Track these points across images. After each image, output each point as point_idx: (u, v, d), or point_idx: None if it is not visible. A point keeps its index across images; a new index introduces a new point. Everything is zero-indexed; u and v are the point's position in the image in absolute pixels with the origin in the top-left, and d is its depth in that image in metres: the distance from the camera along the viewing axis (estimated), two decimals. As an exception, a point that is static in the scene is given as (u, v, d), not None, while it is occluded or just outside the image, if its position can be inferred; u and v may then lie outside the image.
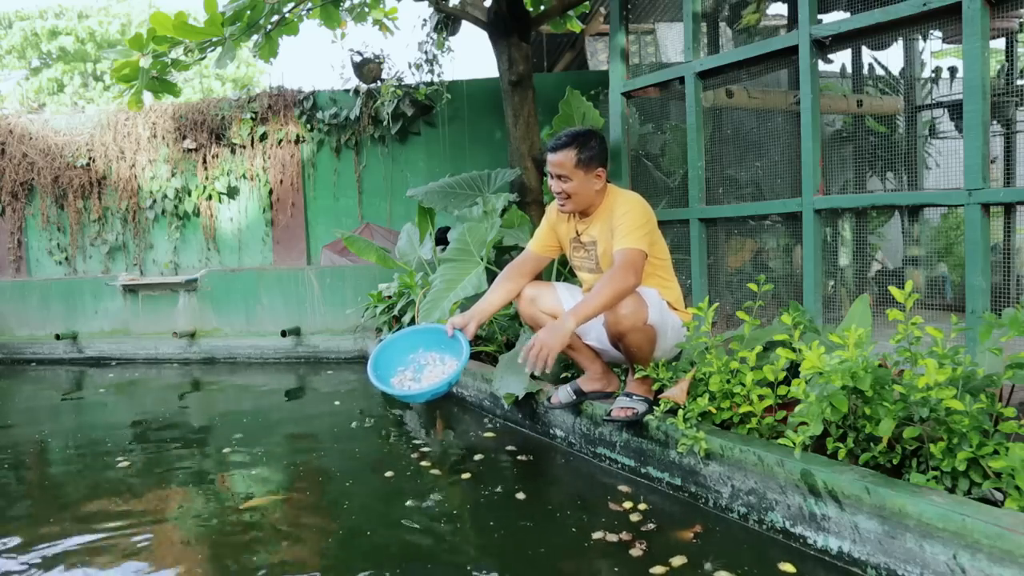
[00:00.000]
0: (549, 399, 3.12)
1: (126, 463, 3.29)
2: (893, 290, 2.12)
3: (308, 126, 6.92)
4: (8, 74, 20.94)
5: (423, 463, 3.09)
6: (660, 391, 2.70)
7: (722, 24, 4.40)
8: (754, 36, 4.24)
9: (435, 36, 6.12)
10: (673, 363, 2.77)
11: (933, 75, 4.71)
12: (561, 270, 4.19)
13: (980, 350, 2.18)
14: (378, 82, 6.61)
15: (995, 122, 4.02)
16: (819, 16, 3.05)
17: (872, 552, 1.91)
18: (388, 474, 2.96)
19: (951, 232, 3.89)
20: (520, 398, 3.31)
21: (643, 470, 2.74)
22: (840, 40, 2.96)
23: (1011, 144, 4.05)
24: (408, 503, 2.63)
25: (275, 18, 4.20)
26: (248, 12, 3.93)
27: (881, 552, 1.88)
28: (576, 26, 6.17)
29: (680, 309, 2.82)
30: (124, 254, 7.27)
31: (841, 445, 2.12)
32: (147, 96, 5.07)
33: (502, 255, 4.46)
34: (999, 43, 3.84)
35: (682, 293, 2.92)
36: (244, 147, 7.00)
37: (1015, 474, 1.75)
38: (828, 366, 2.03)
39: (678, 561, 2.05)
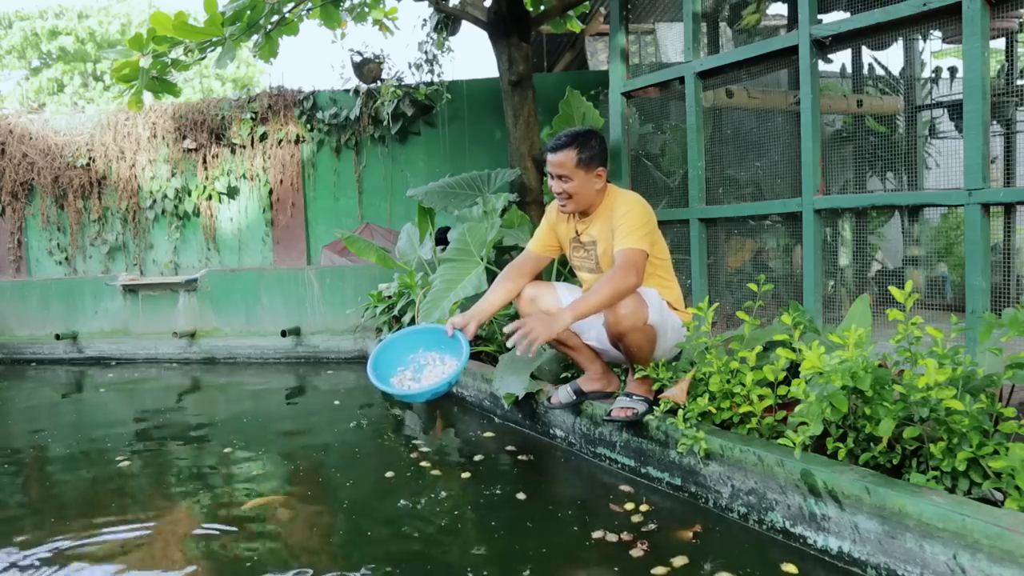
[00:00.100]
0: (549, 399, 3.12)
1: (126, 463, 3.29)
2: (893, 290, 2.12)
3: (308, 126, 6.92)
4: (8, 74, 20.95)
5: (423, 463, 3.09)
6: (660, 391, 2.70)
7: (722, 24, 4.40)
8: (754, 36, 4.24)
9: (435, 36, 6.12)
10: (673, 363, 2.77)
11: (933, 75, 4.71)
12: (561, 270, 4.19)
13: (980, 350, 2.18)
14: (378, 82, 6.61)
15: (995, 122, 4.02)
16: (819, 16, 3.05)
17: (872, 552, 1.91)
18: (388, 474, 2.96)
19: (951, 232, 3.90)
20: (520, 398, 3.31)
21: (643, 470, 2.74)
22: (840, 40, 2.96)
23: (1011, 144, 4.05)
24: (408, 503, 2.63)
25: (275, 18, 4.20)
26: (248, 12, 3.93)
27: (881, 552, 1.88)
28: (576, 26, 6.17)
29: (680, 309, 2.82)
30: (124, 254, 7.27)
31: (841, 445, 2.12)
32: (147, 96, 5.07)
33: (502, 255, 4.46)
34: (999, 43, 3.83)
35: (682, 293, 2.92)
36: (244, 147, 7.00)
37: (1015, 474, 1.75)
38: (828, 366, 2.03)
39: (679, 561, 2.05)
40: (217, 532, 2.45)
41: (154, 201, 7.13)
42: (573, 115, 4.90)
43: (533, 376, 3.41)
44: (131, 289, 6.75)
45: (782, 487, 2.16)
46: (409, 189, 4.99)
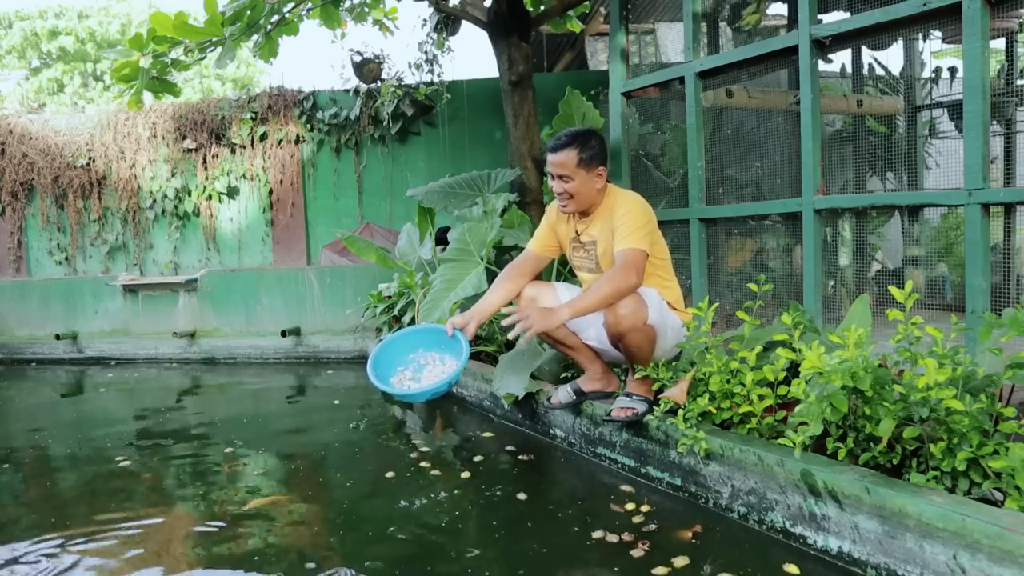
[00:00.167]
0: (549, 399, 3.12)
1: (127, 462, 3.29)
2: (893, 290, 2.12)
3: (308, 126, 6.92)
4: (8, 74, 20.95)
5: (423, 463, 3.09)
6: (660, 391, 2.70)
7: (722, 24, 4.40)
8: (754, 36, 4.24)
9: (435, 36, 6.12)
10: (673, 363, 2.77)
11: (933, 75, 4.71)
12: (561, 270, 4.19)
13: (980, 350, 2.18)
14: (378, 82, 6.61)
15: (995, 122, 4.02)
16: (819, 16, 3.05)
17: (872, 552, 1.91)
18: (389, 474, 2.96)
19: (951, 232, 3.90)
20: (520, 398, 3.31)
21: (643, 470, 2.74)
22: (840, 40, 2.96)
23: (1011, 144, 4.05)
24: (408, 503, 2.63)
25: (275, 18, 4.20)
26: (248, 12, 3.93)
27: (881, 552, 1.88)
28: (576, 26, 6.17)
29: (680, 309, 2.82)
30: (124, 254, 7.27)
31: (841, 445, 2.12)
32: (147, 96, 5.07)
33: (502, 255, 4.46)
34: (999, 43, 3.83)
35: (682, 293, 2.92)
36: (244, 147, 7.00)
37: (1015, 474, 1.75)
38: (828, 366, 2.03)
39: (680, 562, 2.05)
40: (218, 532, 2.45)
41: (154, 201, 7.13)
42: (573, 115, 4.90)
43: (533, 376, 3.41)
44: (131, 289, 6.75)
45: (782, 487, 2.16)
46: (409, 189, 4.99)
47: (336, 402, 4.57)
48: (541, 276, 3.02)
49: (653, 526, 2.30)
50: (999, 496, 1.86)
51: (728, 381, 2.49)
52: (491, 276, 3.83)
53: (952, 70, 4.61)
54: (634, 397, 2.75)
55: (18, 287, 7.03)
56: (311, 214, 7.09)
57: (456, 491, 2.76)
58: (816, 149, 3.00)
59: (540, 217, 3.26)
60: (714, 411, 2.50)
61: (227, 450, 3.46)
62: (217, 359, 6.46)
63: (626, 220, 2.61)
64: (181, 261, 7.23)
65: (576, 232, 2.85)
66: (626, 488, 2.66)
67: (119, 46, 4.21)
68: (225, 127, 6.99)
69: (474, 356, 4.15)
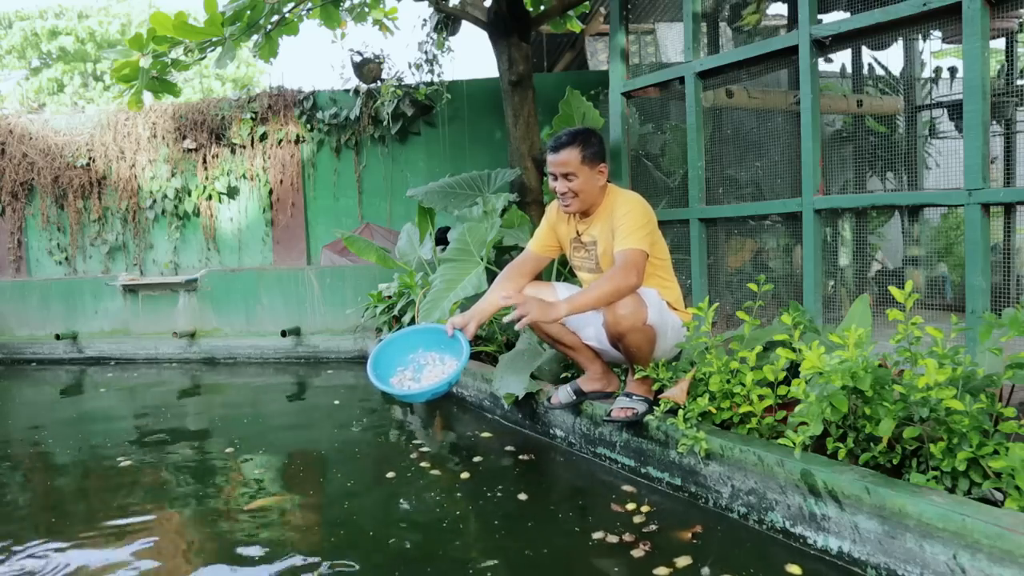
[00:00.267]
0: (549, 399, 3.12)
1: (127, 462, 3.29)
2: (893, 290, 2.12)
3: (308, 126, 6.93)
4: (8, 74, 20.95)
5: (423, 463, 3.09)
6: (660, 391, 2.70)
7: (722, 24, 4.40)
8: (754, 36, 4.24)
9: (435, 36, 6.12)
10: (673, 363, 2.77)
11: (933, 75, 4.71)
12: (561, 270, 4.19)
13: (980, 350, 2.18)
14: (378, 82, 6.61)
15: (995, 122, 4.02)
16: (819, 16, 3.05)
17: (872, 552, 1.91)
18: (389, 475, 2.96)
19: (951, 232, 3.90)
20: (520, 398, 3.31)
21: (643, 470, 2.74)
22: (840, 40, 2.96)
23: (1011, 144, 4.05)
24: (409, 503, 2.64)
25: (275, 18, 4.20)
26: (248, 12, 3.93)
27: (881, 552, 1.88)
28: (576, 26, 6.17)
29: (680, 309, 2.82)
30: (124, 254, 7.27)
31: (841, 445, 2.12)
32: (147, 96, 5.07)
33: (502, 255, 4.46)
34: (999, 43, 3.83)
35: (682, 293, 2.92)
36: (244, 147, 7.00)
37: (1015, 474, 1.75)
38: (828, 366, 2.03)
39: (682, 562, 2.05)
40: (219, 532, 2.45)
41: (154, 201, 7.13)
42: (573, 115, 4.90)
43: (533, 376, 3.41)
44: (131, 289, 6.75)
45: (782, 487, 2.16)
46: (409, 189, 4.99)
47: (336, 402, 4.57)
48: (541, 276, 3.02)
49: (654, 526, 2.31)
50: (999, 496, 1.86)
51: (728, 381, 2.49)
52: (491, 276, 3.83)
53: (952, 70, 4.61)
54: (634, 397, 2.75)
55: (18, 287, 7.03)
56: (311, 214, 7.09)
57: (456, 491, 2.76)
58: (816, 149, 3.00)
59: (540, 217, 3.26)
60: (714, 411, 2.51)
61: (227, 450, 3.46)
62: (217, 359, 6.46)
63: (626, 220, 2.61)
64: (181, 261, 7.23)
65: (577, 232, 2.85)
66: (626, 488, 2.66)
67: (119, 46, 4.21)
68: (225, 127, 6.99)
69: (474, 356, 4.15)
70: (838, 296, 3.70)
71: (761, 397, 2.39)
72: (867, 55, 4.66)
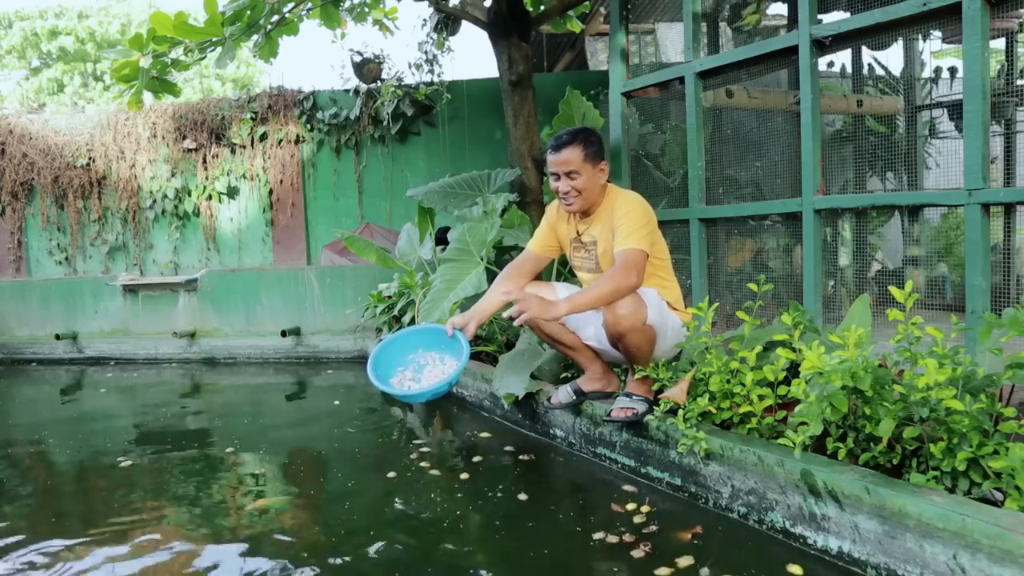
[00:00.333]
0: (549, 399, 3.12)
1: (128, 463, 3.29)
2: (893, 290, 2.12)
3: (308, 126, 6.93)
4: (8, 74, 20.95)
5: (423, 463, 3.09)
6: (660, 391, 2.70)
7: (722, 24, 4.40)
8: (754, 36, 4.24)
9: (435, 36, 6.12)
10: (673, 363, 2.77)
11: (933, 75, 4.71)
12: (561, 270, 4.19)
13: (980, 350, 2.18)
14: (378, 82, 6.61)
15: (995, 122, 4.02)
16: (819, 16, 3.05)
17: (872, 552, 1.91)
18: (390, 475, 2.96)
19: (951, 232, 3.90)
20: (520, 398, 3.31)
21: (643, 470, 2.74)
22: (840, 40, 2.96)
23: (1011, 144, 4.05)
24: (409, 503, 2.64)
25: (275, 18, 4.20)
26: (248, 12, 3.93)
27: (881, 552, 1.88)
28: (576, 26, 6.17)
29: (680, 309, 2.82)
30: (124, 254, 7.27)
31: (841, 445, 2.12)
32: (147, 96, 5.07)
33: (502, 255, 4.46)
34: (999, 43, 3.83)
35: (682, 293, 2.92)
36: (244, 147, 7.00)
37: (1015, 474, 1.75)
38: (828, 366, 2.03)
39: (684, 562, 2.05)
40: (220, 532, 2.45)
41: (154, 201, 7.13)
42: (573, 115, 4.90)
43: (533, 376, 3.41)
44: (131, 289, 6.75)
45: (782, 487, 2.16)
46: (409, 189, 4.99)
47: (336, 402, 4.57)
48: (541, 276, 3.02)
49: (654, 527, 2.31)
50: (999, 496, 1.86)
51: (728, 381, 2.49)
52: (491, 276, 3.83)
53: (952, 70, 4.61)
54: (634, 397, 2.75)
55: (18, 287, 7.02)
56: (311, 214, 7.09)
57: (456, 491, 2.76)
58: (816, 149, 3.00)
59: (540, 217, 3.26)
60: (714, 411, 2.51)
61: (228, 450, 3.46)
62: (217, 359, 6.46)
63: (626, 220, 2.61)
64: (181, 261, 7.23)
65: (577, 232, 2.85)
66: (626, 488, 2.66)
67: (119, 46, 4.21)
68: (225, 127, 6.99)
69: (474, 356, 4.14)
70: (838, 296, 3.70)
71: (761, 397, 2.39)
72: (867, 55, 4.66)
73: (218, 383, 5.52)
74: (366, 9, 5.11)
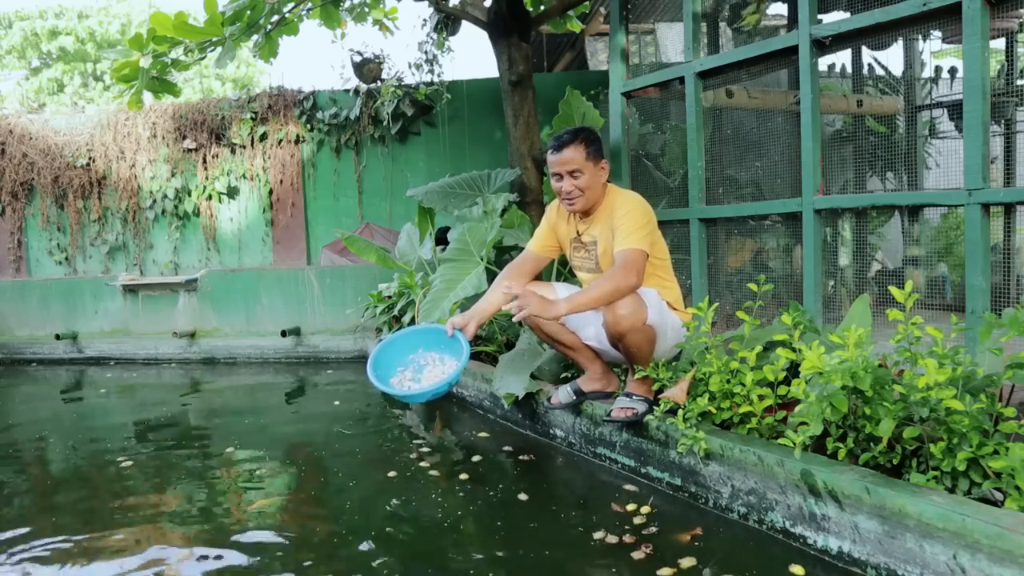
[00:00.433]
0: (549, 399, 3.12)
1: (128, 463, 3.29)
2: (893, 290, 2.12)
3: (308, 126, 6.93)
4: (8, 74, 20.95)
5: (423, 463, 3.09)
6: (660, 391, 2.70)
7: (722, 24, 4.40)
8: (754, 36, 4.24)
9: (435, 36, 6.12)
10: (673, 363, 2.77)
11: (933, 75, 4.71)
12: (561, 270, 4.19)
13: (980, 350, 2.18)
14: (378, 82, 6.61)
15: (995, 122, 4.02)
16: (819, 16, 3.05)
17: (872, 552, 1.91)
18: (390, 474, 2.96)
19: (951, 232, 3.90)
20: (520, 398, 3.31)
21: (643, 470, 2.74)
22: (840, 40, 2.96)
23: (1011, 144, 4.05)
24: (410, 504, 2.63)
25: (275, 18, 4.20)
26: (248, 12, 3.93)
27: (881, 552, 1.88)
28: (576, 26, 6.17)
29: (680, 309, 2.82)
30: (124, 254, 7.27)
31: (841, 445, 2.12)
32: (147, 96, 5.07)
33: (502, 255, 4.46)
34: (999, 43, 3.83)
35: (682, 293, 2.92)
36: (244, 147, 7.00)
37: (1015, 474, 1.75)
38: (828, 366, 2.03)
39: (683, 563, 2.05)
40: (221, 532, 2.45)
41: (154, 201, 7.13)
42: (573, 115, 4.90)
43: (533, 376, 3.41)
44: (131, 289, 6.75)
45: (782, 487, 2.16)
46: (409, 189, 4.99)
47: (336, 402, 4.57)
48: (541, 276, 3.02)
49: (654, 527, 2.30)
50: (999, 496, 1.86)
51: (728, 381, 2.49)
52: (491, 276, 3.83)
53: (952, 70, 4.61)
54: (634, 397, 2.75)
55: (18, 287, 7.03)
56: (311, 214, 7.09)
57: (457, 491, 2.76)
58: (816, 149, 3.00)
59: (540, 217, 3.26)
60: (714, 411, 2.51)
61: (228, 450, 3.46)
62: (217, 359, 6.46)
63: (626, 220, 2.61)
64: (181, 261, 7.23)
65: (577, 232, 2.85)
66: (626, 488, 2.66)
67: (119, 46, 4.22)
68: (225, 127, 6.99)
69: (474, 356, 4.14)
70: (838, 296, 3.70)
71: (761, 397, 2.40)
72: (867, 55, 4.66)
73: (218, 383, 5.52)
74: (366, 9, 5.11)
